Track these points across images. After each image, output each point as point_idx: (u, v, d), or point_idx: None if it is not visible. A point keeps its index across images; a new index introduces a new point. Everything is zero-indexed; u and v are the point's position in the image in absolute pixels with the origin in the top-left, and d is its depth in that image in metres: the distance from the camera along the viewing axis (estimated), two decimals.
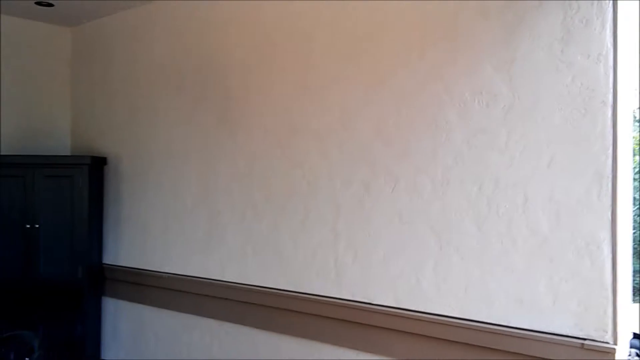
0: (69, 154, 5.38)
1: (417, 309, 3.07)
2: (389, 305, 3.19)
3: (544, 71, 2.66)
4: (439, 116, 3.00)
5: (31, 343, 3.18)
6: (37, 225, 4.70)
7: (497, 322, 2.78)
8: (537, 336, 2.65)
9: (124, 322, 4.93)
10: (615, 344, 2.48)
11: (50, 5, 4.77)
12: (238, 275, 3.98)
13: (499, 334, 2.76)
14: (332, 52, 3.48)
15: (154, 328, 4.64)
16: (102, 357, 5.04)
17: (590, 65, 2.53)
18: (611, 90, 2.50)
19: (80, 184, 4.74)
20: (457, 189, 2.94)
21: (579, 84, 2.56)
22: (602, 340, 2.50)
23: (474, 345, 2.86)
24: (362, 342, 3.31)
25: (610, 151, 2.49)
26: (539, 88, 2.67)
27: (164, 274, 4.48)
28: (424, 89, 3.07)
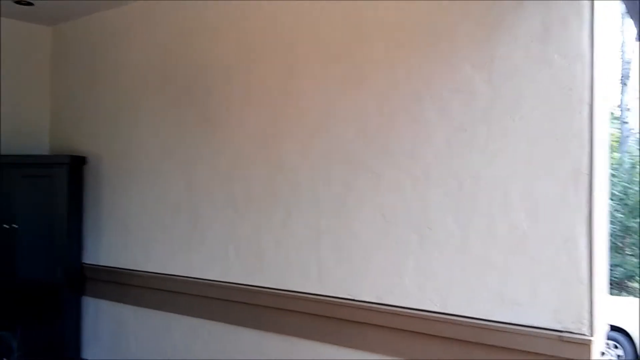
0: (48, 153, 5.35)
1: (399, 305, 3.11)
2: (371, 301, 3.22)
3: (522, 70, 2.72)
4: (420, 115, 3.04)
5: (9, 343, 3.17)
6: (15, 226, 4.66)
7: (478, 317, 2.84)
8: (516, 329, 2.71)
9: (104, 322, 4.91)
10: (592, 335, 2.54)
11: (30, 4, 4.73)
12: (220, 274, 3.99)
13: (480, 327, 2.81)
14: (313, 53, 3.51)
15: (135, 327, 4.63)
16: (83, 357, 5.01)
17: (568, 65, 2.59)
18: (588, 88, 2.55)
19: (59, 184, 4.71)
20: (437, 186, 2.98)
21: (557, 82, 2.62)
22: (579, 332, 2.56)
23: (455, 339, 2.91)
24: (344, 338, 3.35)
25: (587, 149, 2.55)
26: (518, 87, 2.73)
27: (144, 274, 4.47)
28: (404, 88, 3.11)
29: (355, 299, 3.28)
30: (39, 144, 5.34)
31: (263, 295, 3.71)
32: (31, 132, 5.31)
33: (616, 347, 9.36)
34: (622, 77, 16.30)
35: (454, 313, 2.92)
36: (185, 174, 4.25)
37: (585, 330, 2.55)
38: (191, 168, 4.20)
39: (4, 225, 4.68)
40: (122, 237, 4.73)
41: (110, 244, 4.82)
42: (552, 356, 2.61)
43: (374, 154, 3.22)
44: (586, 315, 2.55)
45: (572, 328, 2.58)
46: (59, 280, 4.75)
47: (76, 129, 5.18)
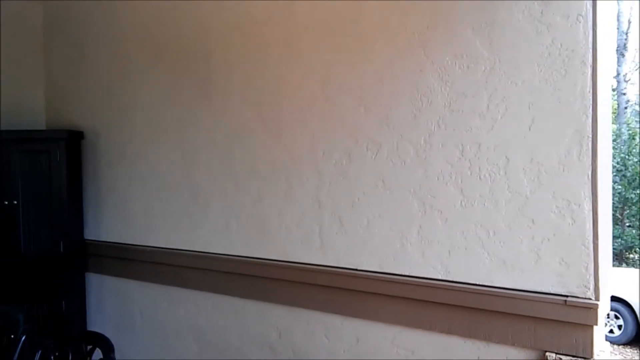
0: (44, 128, 5.31)
1: (402, 273, 3.11)
2: (374, 270, 3.23)
3: (523, 33, 2.69)
4: (420, 81, 3.02)
5: (16, 317, 3.17)
6: (15, 202, 4.65)
7: (482, 283, 2.84)
8: (521, 295, 2.71)
9: (109, 298, 4.92)
10: (597, 299, 2.54)
11: None
12: (222, 246, 3.99)
13: (484, 294, 2.81)
14: (312, 23, 3.46)
15: (140, 302, 4.63)
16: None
17: (570, 26, 2.56)
18: (590, 50, 2.53)
19: (57, 159, 4.69)
20: (439, 153, 2.97)
21: (559, 45, 2.59)
22: (584, 296, 2.56)
23: (459, 306, 2.91)
24: (347, 307, 3.36)
25: (590, 111, 2.53)
26: (519, 50, 2.70)
27: (147, 248, 4.47)
28: (404, 54, 3.07)
29: (358, 268, 3.28)
30: (36, 120, 5.30)
31: (266, 267, 3.71)
32: (27, 108, 5.26)
33: (617, 317, 9.43)
34: (618, 47, 16.25)
35: (457, 280, 2.92)
36: (184, 147, 4.22)
37: (590, 294, 2.55)
38: (190, 141, 4.17)
39: (4, 202, 4.65)
40: (122, 212, 4.72)
41: (111, 220, 4.81)
42: (557, 321, 2.62)
43: (374, 122, 3.20)
44: (591, 279, 2.55)
45: (576, 292, 2.58)
46: (62, 256, 4.73)
47: (72, 104, 5.14)
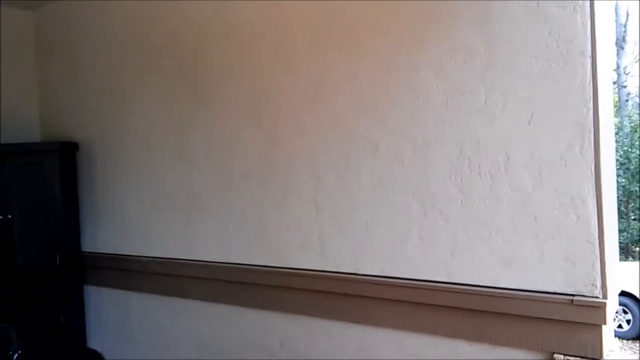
0: (39, 141, 5.25)
1: (403, 276, 3.03)
2: (375, 274, 3.14)
3: (520, 25, 2.61)
4: (416, 78, 2.94)
5: (9, 335, 3.10)
6: (9, 216, 4.59)
7: (485, 284, 2.75)
8: (526, 295, 2.62)
9: (108, 309, 4.85)
10: (605, 298, 2.45)
11: None
12: (221, 254, 3.91)
13: (488, 295, 2.73)
14: (306, 22, 3.39)
15: (139, 313, 4.57)
16: (89, 346, 4.96)
17: (567, 16, 2.48)
18: (589, 40, 2.45)
19: (51, 171, 4.63)
20: (437, 151, 2.89)
21: (557, 36, 2.51)
22: (591, 295, 2.47)
23: (463, 308, 2.82)
24: (350, 313, 3.27)
25: (591, 103, 2.45)
26: (516, 43, 2.62)
27: (143, 259, 4.40)
28: (399, 51, 3.00)
29: (358, 272, 3.20)
30: (30, 132, 5.25)
31: (265, 274, 3.63)
32: (21, 121, 5.21)
33: (625, 312, 9.34)
34: (617, 40, 16.19)
35: (460, 282, 2.83)
36: (180, 154, 4.16)
37: (597, 292, 2.46)
38: (186, 148, 4.11)
39: None
40: (119, 222, 4.65)
41: (108, 230, 4.75)
42: (565, 321, 2.53)
43: (370, 121, 3.12)
44: (598, 277, 2.46)
45: (583, 291, 2.49)
46: (59, 269, 4.68)
47: (66, 115, 5.08)
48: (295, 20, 3.44)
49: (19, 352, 3.02)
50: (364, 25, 3.14)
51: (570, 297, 2.51)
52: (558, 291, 2.55)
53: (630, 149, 13.60)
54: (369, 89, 3.13)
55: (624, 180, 13.30)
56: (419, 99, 2.93)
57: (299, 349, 3.54)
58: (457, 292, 2.82)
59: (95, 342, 4.94)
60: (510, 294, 2.67)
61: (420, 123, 2.94)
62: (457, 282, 2.85)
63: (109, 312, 4.85)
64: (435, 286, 2.90)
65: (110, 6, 4.63)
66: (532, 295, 2.60)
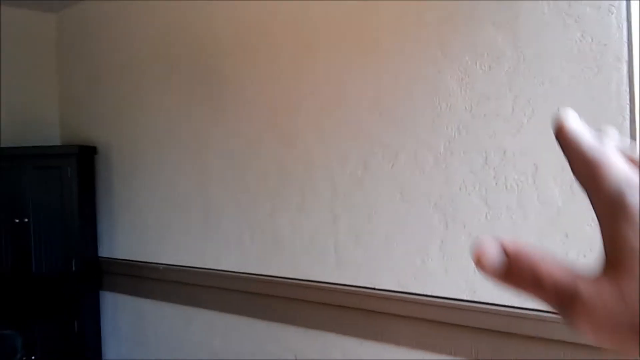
0: (58, 144, 5.20)
1: (423, 293, 2.86)
2: (393, 289, 2.98)
3: (550, 27, 2.43)
4: (439, 84, 2.78)
5: (14, 343, 3.01)
6: (26, 220, 4.52)
7: (511, 304, 2.57)
8: (553, 317, 2.43)
9: (123, 316, 4.78)
10: None
11: None
12: (236, 264, 3.80)
13: (514, 316, 2.55)
14: (326, 25, 3.26)
15: (154, 321, 4.48)
16: (104, 354, 4.89)
17: (602, 18, 2.30)
18: (625, 44, 2.26)
19: (69, 175, 4.56)
20: (461, 161, 2.72)
21: (589, 39, 2.33)
22: None
23: (486, 329, 2.65)
24: (366, 329, 3.12)
25: (627, 112, 2.26)
26: (546, 46, 2.44)
27: (160, 266, 4.31)
28: (421, 56, 2.84)
29: (376, 287, 3.05)
30: (50, 135, 5.20)
31: (280, 285, 3.50)
32: (42, 124, 5.17)
33: None
34: None
35: (484, 301, 2.65)
36: (197, 161, 4.07)
37: None
38: (203, 154, 4.02)
39: (15, 220, 4.53)
40: (136, 228, 4.58)
41: (125, 236, 4.67)
42: (595, 347, 2.34)
43: (391, 129, 2.97)
44: None
45: None
46: (75, 275, 4.61)
47: (86, 118, 5.04)
48: (315, 25, 3.32)
49: None
50: (385, 27, 3.00)
51: None
52: None
53: None
54: (390, 94, 2.97)
55: None
56: (442, 105, 2.77)
57: None
58: (480, 311, 2.65)
59: (109, 348, 4.87)
60: (538, 315, 2.48)
61: (442, 130, 2.77)
62: (480, 300, 2.67)
63: (124, 320, 4.77)
64: (457, 304, 2.73)
65: (132, 11, 4.57)
66: (559, 318, 2.42)
